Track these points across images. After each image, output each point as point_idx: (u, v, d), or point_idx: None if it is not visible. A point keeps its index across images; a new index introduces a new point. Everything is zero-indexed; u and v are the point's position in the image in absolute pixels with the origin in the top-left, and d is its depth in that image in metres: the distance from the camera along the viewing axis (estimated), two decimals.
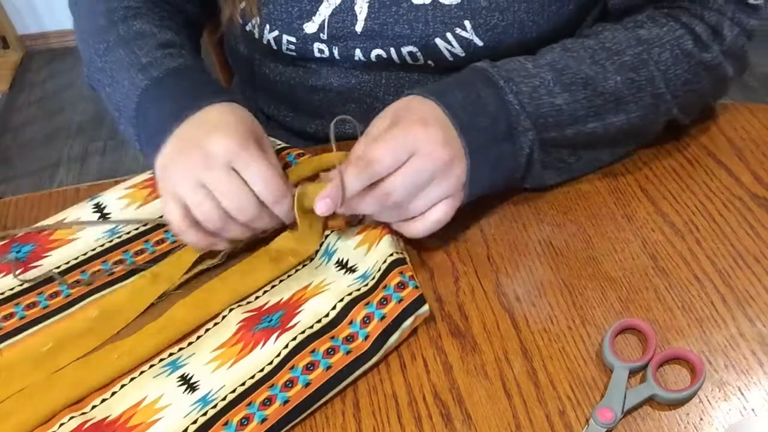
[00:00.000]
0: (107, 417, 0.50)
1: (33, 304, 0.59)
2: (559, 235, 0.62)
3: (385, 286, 0.55)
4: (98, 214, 0.66)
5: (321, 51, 0.70)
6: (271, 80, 0.77)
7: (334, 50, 0.69)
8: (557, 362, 0.52)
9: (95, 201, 0.67)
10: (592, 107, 0.60)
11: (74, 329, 0.56)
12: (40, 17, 2.75)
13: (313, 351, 0.52)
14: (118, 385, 0.52)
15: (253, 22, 0.71)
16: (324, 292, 0.56)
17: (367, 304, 0.54)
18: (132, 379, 0.52)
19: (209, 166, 0.54)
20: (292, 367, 0.51)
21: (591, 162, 0.65)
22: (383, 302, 0.54)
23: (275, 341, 0.53)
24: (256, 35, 0.71)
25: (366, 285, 0.56)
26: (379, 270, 0.56)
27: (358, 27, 0.67)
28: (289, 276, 0.59)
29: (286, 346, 0.52)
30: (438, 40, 0.66)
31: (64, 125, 2.41)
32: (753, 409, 0.49)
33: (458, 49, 0.66)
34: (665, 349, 0.52)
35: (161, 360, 0.54)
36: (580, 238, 0.61)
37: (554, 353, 0.53)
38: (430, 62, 0.68)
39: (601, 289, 0.57)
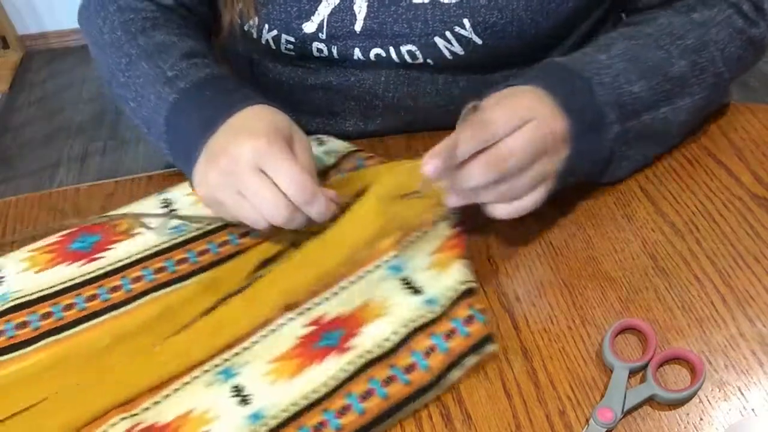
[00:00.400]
0: (156, 423, 0.49)
1: (93, 297, 0.59)
2: (559, 235, 0.62)
3: (452, 318, 0.53)
4: (166, 209, 0.66)
5: (320, 50, 0.70)
6: (269, 79, 0.77)
7: (333, 49, 0.69)
8: (557, 362, 0.52)
9: (163, 196, 0.67)
10: (662, 92, 0.61)
11: (132, 327, 0.56)
12: (40, 17, 2.75)
13: (370, 378, 0.50)
14: (171, 389, 0.51)
15: (251, 22, 0.70)
16: (386, 315, 0.54)
17: (432, 334, 0.52)
18: (185, 384, 0.52)
19: (238, 171, 0.54)
20: (348, 393, 0.49)
21: (658, 149, 0.66)
22: (449, 335, 0.52)
23: (333, 362, 0.51)
24: (255, 35, 0.71)
25: (432, 312, 0.53)
26: (448, 299, 0.54)
27: (357, 26, 0.67)
28: (351, 282, 0.57)
29: (344, 370, 0.50)
30: (437, 39, 0.66)
31: (64, 125, 2.41)
32: (753, 409, 0.49)
33: (458, 48, 0.66)
34: (665, 349, 0.52)
35: (215, 366, 0.52)
36: (580, 238, 0.61)
37: (554, 353, 0.53)
38: (429, 61, 0.68)
39: (601, 289, 0.57)
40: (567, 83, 0.58)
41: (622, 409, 0.48)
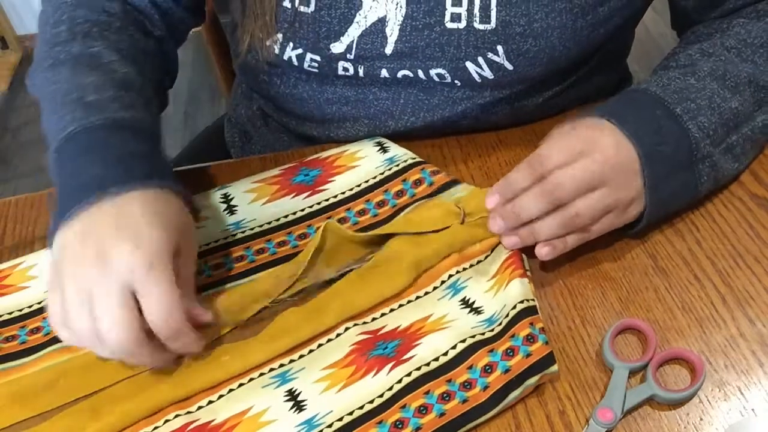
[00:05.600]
0: (212, 421, 0.49)
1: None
2: None
3: (512, 336, 0.51)
4: (225, 205, 0.66)
5: (345, 69, 0.67)
6: (281, 90, 0.74)
7: (359, 69, 0.67)
8: (557, 362, 0.52)
9: (223, 191, 0.67)
10: (756, 101, 0.62)
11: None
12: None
13: (427, 393, 0.49)
14: (226, 389, 0.51)
15: (274, 38, 0.67)
16: (445, 329, 0.53)
17: (491, 351, 0.51)
18: (240, 385, 0.52)
19: (104, 280, 0.47)
20: (403, 406, 0.48)
21: (758, 150, 0.66)
22: (509, 353, 0.50)
23: (388, 372, 0.50)
24: (276, 51, 0.68)
25: (491, 330, 0.52)
26: (507, 316, 0.52)
27: (388, 49, 0.65)
28: (410, 302, 0.56)
29: (400, 381, 0.50)
30: (468, 63, 0.64)
31: None
32: (753, 409, 0.49)
33: (488, 72, 0.65)
34: (665, 349, 0.52)
35: (271, 369, 0.52)
36: None
37: (554, 353, 0.53)
38: (456, 82, 0.67)
39: (601, 289, 0.57)
40: (653, 120, 0.57)
41: (622, 409, 0.48)
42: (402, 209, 0.64)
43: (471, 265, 0.58)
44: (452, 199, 0.63)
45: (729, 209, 0.62)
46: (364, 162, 0.68)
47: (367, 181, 0.66)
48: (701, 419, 0.48)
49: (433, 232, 0.60)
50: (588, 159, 0.54)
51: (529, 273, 0.56)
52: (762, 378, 0.50)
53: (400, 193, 0.65)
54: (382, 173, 0.67)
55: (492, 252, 0.59)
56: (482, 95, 0.68)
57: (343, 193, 0.66)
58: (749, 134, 0.62)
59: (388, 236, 0.60)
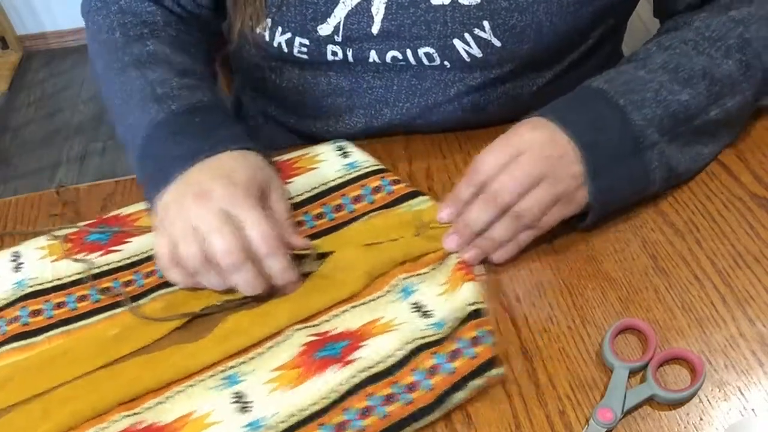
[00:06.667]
0: (158, 422, 0.49)
1: (107, 289, 0.59)
2: (559, 235, 0.61)
3: (458, 338, 0.52)
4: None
5: (334, 53, 0.68)
6: (277, 84, 0.76)
7: (348, 52, 0.68)
8: (557, 362, 0.52)
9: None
10: (711, 95, 0.62)
11: (140, 319, 0.57)
12: (39, 17, 2.74)
13: (370, 395, 0.49)
14: (174, 390, 0.52)
15: (263, 24, 0.69)
16: (393, 332, 0.53)
17: (436, 353, 0.51)
18: (188, 387, 0.52)
19: (205, 210, 0.54)
20: (346, 408, 0.49)
21: (718, 145, 0.66)
22: (454, 355, 0.51)
23: (334, 374, 0.50)
24: (267, 38, 0.70)
25: (439, 333, 0.52)
26: (455, 319, 0.53)
27: (374, 28, 0.66)
28: (362, 304, 0.56)
29: (345, 383, 0.50)
30: (456, 41, 0.65)
31: (64, 125, 2.40)
32: (753, 409, 0.49)
33: (476, 50, 0.65)
34: (665, 349, 0.52)
35: (220, 371, 0.53)
36: (580, 238, 0.61)
37: (554, 353, 0.53)
38: (446, 63, 0.67)
39: (601, 289, 0.57)
40: (593, 113, 0.59)
41: (622, 409, 0.48)
42: (359, 216, 0.63)
43: (425, 272, 0.58)
44: (411, 212, 0.63)
45: (729, 209, 0.62)
46: (324, 165, 0.68)
47: (325, 184, 0.66)
48: (701, 419, 0.48)
49: (388, 241, 0.60)
50: (522, 157, 0.56)
51: (483, 276, 0.58)
52: (762, 378, 0.50)
53: (358, 199, 0.65)
54: (341, 177, 0.67)
55: (444, 260, 0.59)
56: (473, 76, 0.68)
57: (300, 195, 0.66)
58: (700, 126, 0.62)
59: (341, 243, 0.60)
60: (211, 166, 0.57)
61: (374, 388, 0.50)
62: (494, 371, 0.50)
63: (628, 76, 0.61)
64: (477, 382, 0.49)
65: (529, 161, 0.55)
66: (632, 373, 0.51)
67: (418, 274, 0.58)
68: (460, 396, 0.49)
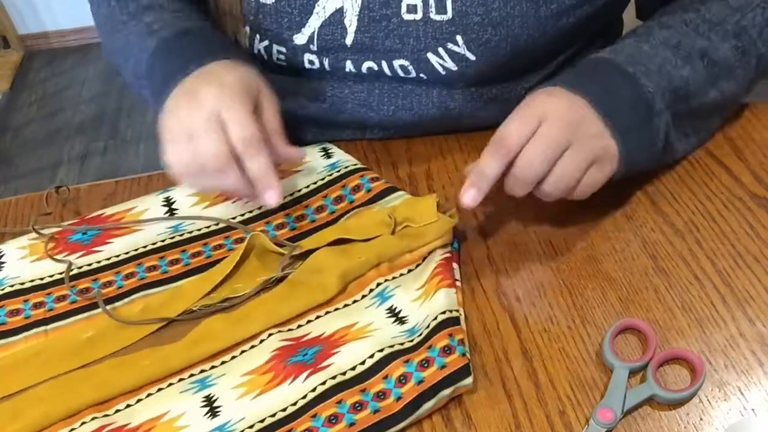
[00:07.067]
0: (127, 424, 0.50)
1: (86, 290, 0.60)
2: (559, 235, 0.61)
3: (429, 347, 0.51)
4: (167, 208, 0.66)
5: (311, 62, 0.69)
6: None
7: (324, 61, 0.68)
8: (557, 362, 0.52)
9: (166, 195, 0.67)
10: (710, 76, 0.62)
11: (116, 321, 0.57)
12: (40, 17, 2.75)
13: (339, 402, 0.49)
14: (145, 393, 0.52)
15: (243, 31, 0.70)
16: (366, 338, 0.53)
17: (407, 361, 0.50)
18: (159, 390, 0.52)
19: (197, 113, 0.56)
20: (314, 415, 0.48)
21: (708, 131, 0.67)
22: (424, 364, 0.50)
23: (304, 380, 0.50)
24: (246, 44, 0.70)
25: (411, 341, 0.52)
26: (428, 327, 0.52)
27: (348, 40, 0.66)
28: (337, 309, 0.56)
29: (314, 390, 0.50)
30: (430, 55, 0.65)
31: (64, 125, 2.41)
32: (753, 409, 0.49)
33: (450, 64, 0.65)
34: (665, 349, 0.52)
35: (191, 375, 0.53)
36: (580, 238, 0.61)
37: (554, 353, 0.53)
38: (422, 75, 0.67)
39: (601, 289, 0.57)
40: (606, 82, 0.58)
41: (622, 409, 0.48)
42: (340, 216, 0.64)
43: (401, 274, 0.58)
44: (387, 207, 0.63)
45: (729, 209, 0.62)
46: (306, 167, 0.69)
47: (307, 186, 0.67)
48: (701, 419, 0.48)
49: (363, 241, 0.60)
50: (546, 124, 0.54)
51: (458, 283, 0.57)
52: (762, 378, 0.50)
53: (339, 199, 0.65)
54: (323, 179, 0.67)
55: (423, 261, 0.59)
56: (454, 86, 0.68)
57: (284, 198, 0.65)
58: (698, 108, 0.62)
59: (317, 244, 0.60)
60: (202, 73, 0.59)
61: (344, 395, 0.49)
62: (463, 382, 0.49)
63: (632, 49, 0.61)
64: (445, 392, 0.49)
65: (553, 128, 0.54)
66: (632, 373, 0.51)
67: (394, 278, 0.58)
68: (428, 405, 0.48)
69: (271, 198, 0.57)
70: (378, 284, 0.58)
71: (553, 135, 0.54)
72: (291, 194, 0.66)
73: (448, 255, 0.58)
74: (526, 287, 0.58)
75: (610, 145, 0.56)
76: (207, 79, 0.58)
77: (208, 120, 0.55)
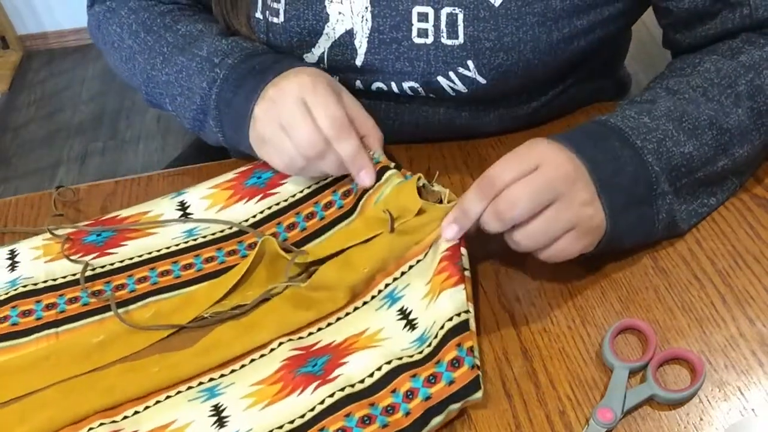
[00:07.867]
0: (135, 431, 0.49)
1: (99, 292, 0.60)
2: None
3: (438, 362, 0.50)
4: (181, 212, 0.66)
5: None
6: None
7: (334, 78, 0.67)
8: (557, 362, 0.52)
9: (180, 198, 0.67)
10: (719, 146, 0.58)
11: (127, 326, 0.56)
12: (40, 17, 2.74)
13: (347, 415, 0.48)
14: (153, 400, 0.51)
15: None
16: (375, 348, 0.52)
17: (414, 376, 0.49)
18: (168, 398, 0.52)
19: (283, 101, 0.59)
20: (322, 429, 0.48)
21: (722, 197, 0.62)
22: (431, 380, 0.49)
23: (312, 392, 0.50)
24: None
25: (420, 352, 0.51)
26: (436, 336, 0.51)
27: (358, 61, 0.66)
28: (348, 314, 0.56)
29: (322, 402, 0.49)
30: (440, 78, 0.64)
31: (64, 125, 2.40)
32: (753, 409, 0.49)
33: (461, 86, 0.64)
34: (665, 349, 0.52)
35: (200, 383, 0.52)
36: None
37: (554, 353, 0.53)
38: (431, 95, 0.67)
39: (601, 289, 0.57)
40: (610, 150, 0.55)
41: (622, 409, 0.48)
42: (330, 223, 0.63)
43: (410, 266, 0.57)
44: (380, 202, 0.61)
45: (729, 209, 0.62)
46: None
47: (309, 187, 0.66)
48: (701, 419, 0.48)
49: (364, 241, 0.59)
50: (541, 169, 0.52)
51: (467, 273, 0.54)
52: (762, 378, 0.50)
53: (328, 205, 0.64)
54: (317, 183, 0.66)
55: (430, 249, 0.57)
56: (462, 106, 0.68)
57: (293, 196, 0.66)
58: (705, 177, 0.59)
59: (321, 259, 0.60)
60: (280, 78, 0.61)
61: (352, 408, 0.48)
62: (473, 396, 0.48)
63: (633, 122, 0.57)
64: (454, 406, 0.48)
65: (547, 174, 0.52)
66: (632, 373, 0.51)
67: (403, 273, 0.57)
68: (437, 420, 0.48)
69: (366, 178, 0.60)
70: (386, 285, 0.57)
71: (544, 181, 0.51)
72: (301, 191, 0.66)
73: (449, 252, 0.57)
74: (526, 287, 0.58)
75: (597, 217, 0.53)
76: (286, 77, 0.60)
77: (296, 105, 0.58)
